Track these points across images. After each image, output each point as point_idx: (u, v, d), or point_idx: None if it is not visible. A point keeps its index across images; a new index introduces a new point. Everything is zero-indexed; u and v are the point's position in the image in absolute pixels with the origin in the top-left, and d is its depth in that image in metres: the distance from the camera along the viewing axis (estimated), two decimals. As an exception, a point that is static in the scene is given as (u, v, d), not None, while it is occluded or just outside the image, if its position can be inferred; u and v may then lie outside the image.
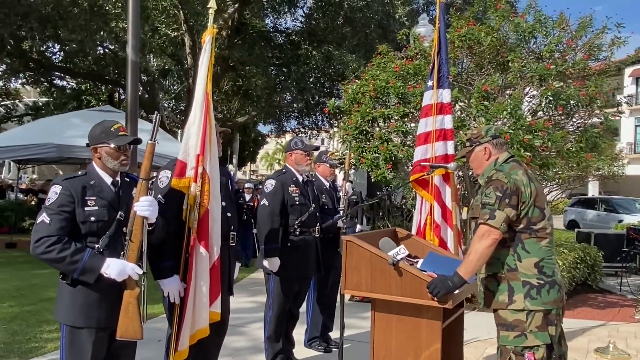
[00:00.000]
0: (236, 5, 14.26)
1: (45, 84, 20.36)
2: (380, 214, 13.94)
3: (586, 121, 7.01)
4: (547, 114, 6.58)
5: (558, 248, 7.96)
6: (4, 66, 18.08)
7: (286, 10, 15.74)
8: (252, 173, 55.35)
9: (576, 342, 5.41)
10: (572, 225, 17.83)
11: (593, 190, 26.12)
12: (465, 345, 5.35)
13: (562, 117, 6.81)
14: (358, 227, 7.73)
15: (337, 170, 5.82)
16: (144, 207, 2.68)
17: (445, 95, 4.00)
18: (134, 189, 2.80)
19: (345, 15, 14.16)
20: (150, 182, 2.86)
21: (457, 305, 3.18)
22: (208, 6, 3.40)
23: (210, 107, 3.22)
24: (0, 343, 4.99)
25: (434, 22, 6.27)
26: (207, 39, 3.23)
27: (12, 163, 16.05)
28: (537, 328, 2.70)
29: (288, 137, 20.33)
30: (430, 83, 4.08)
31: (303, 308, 5.17)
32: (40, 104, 23.50)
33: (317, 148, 4.53)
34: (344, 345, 5.17)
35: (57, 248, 2.54)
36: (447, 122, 3.99)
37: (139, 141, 2.84)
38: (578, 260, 7.57)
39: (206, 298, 3.10)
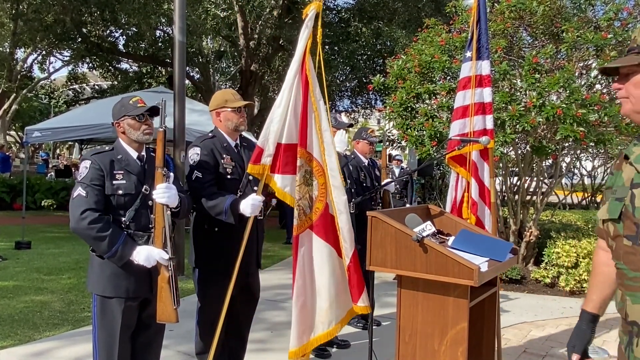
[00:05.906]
0: (289, -17, 14.21)
1: (110, 67, 21.13)
2: (434, 194, 13.69)
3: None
4: (603, 86, 6.18)
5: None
6: (69, 51, 18.91)
7: (339, -14, 15.54)
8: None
9: None
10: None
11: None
12: (510, 327, 5.23)
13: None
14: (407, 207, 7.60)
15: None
16: (160, 194, 2.72)
17: (485, 67, 3.80)
18: None
19: (396, -11, 13.83)
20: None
21: (488, 284, 3.07)
22: None
23: (310, 88, 3.05)
24: (57, 312, 5.30)
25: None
26: (310, 14, 3.05)
27: (76, 144, 16.82)
28: None
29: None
30: (468, 54, 3.89)
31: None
32: (106, 86, 24.50)
33: (350, 125, 4.47)
34: (384, 323, 5.19)
35: (97, 227, 2.62)
36: (487, 95, 3.80)
37: (156, 110, 2.85)
38: None
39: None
